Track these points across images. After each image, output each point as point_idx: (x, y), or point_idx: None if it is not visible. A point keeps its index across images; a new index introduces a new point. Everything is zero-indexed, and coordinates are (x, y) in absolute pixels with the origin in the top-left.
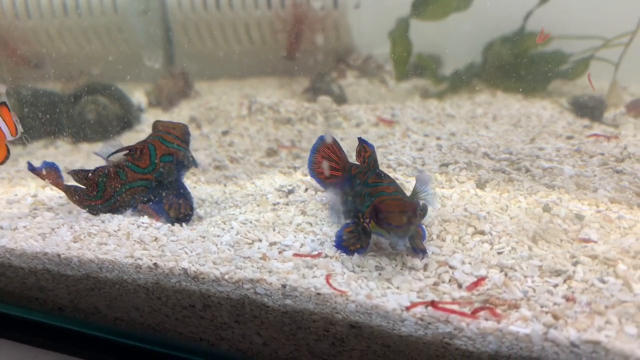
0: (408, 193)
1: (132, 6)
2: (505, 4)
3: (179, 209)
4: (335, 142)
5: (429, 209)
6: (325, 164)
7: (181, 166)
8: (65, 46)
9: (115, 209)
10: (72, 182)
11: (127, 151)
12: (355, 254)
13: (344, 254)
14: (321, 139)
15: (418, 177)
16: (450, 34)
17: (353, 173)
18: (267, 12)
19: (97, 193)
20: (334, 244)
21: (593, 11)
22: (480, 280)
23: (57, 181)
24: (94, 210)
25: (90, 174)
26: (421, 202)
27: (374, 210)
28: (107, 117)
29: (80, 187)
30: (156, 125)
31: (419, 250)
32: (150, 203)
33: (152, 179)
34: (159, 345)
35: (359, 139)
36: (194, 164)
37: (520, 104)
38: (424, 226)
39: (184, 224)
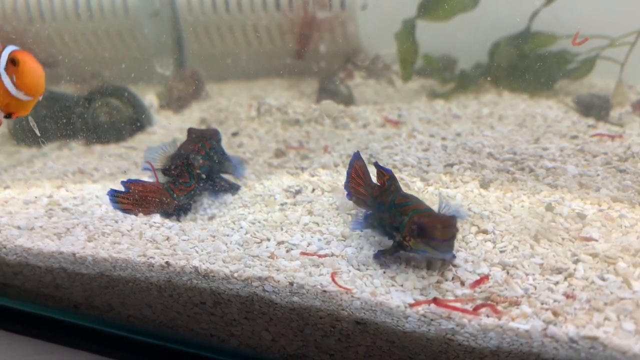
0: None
1: (143, 9)
2: (511, 4)
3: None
4: (361, 159)
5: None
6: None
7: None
8: (78, 49)
9: (191, 201)
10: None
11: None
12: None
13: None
14: (356, 155)
15: (440, 196)
16: (457, 34)
17: (375, 195)
18: (275, 14)
19: (190, 180)
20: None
21: (598, 10)
22: (484, 278)
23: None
24: (171, 209)
25: (180, 163)
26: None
27: (418, 227)
28: (119, 119)
29: (172, 184)
30: (190, 132)
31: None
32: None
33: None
34: (171, 342)
35: (375, 164)
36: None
37: (526, 104)
38: None
39: (193, 223)
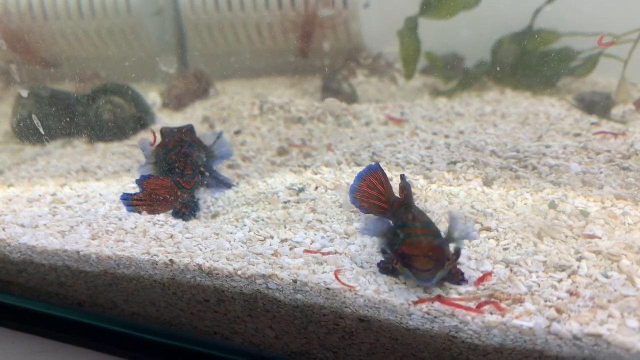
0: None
1: (146, 7)
2: (513, 1)
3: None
4: (382, 172)
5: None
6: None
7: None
8: (81, 47)
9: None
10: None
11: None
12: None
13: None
14: (369, 167)
15: (449, 216)
16: (459, 32)
17: (395, 208)
18: (277, 12)
19: (192, 171)
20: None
21: (601, 7)
22: (486, 275)
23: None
24: (184, 205)
25: (182, 154)
26: (454, 246)
27: (401, 254)
28: (123, 117)
29: (179, 178)
30: (163, 132)
31: (457, 282)
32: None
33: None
34: (174, 339)
35: (401, 176)
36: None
37: (528, 102)
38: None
39: (197, 221)
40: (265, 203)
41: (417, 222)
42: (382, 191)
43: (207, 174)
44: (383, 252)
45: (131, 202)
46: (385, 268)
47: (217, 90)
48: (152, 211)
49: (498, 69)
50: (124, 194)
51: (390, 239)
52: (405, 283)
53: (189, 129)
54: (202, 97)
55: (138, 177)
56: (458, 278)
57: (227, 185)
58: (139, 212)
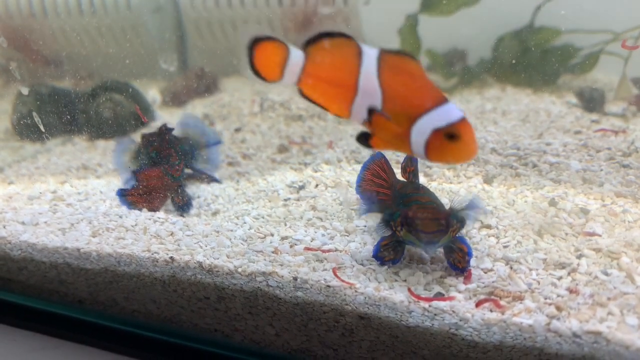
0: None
1: (146, 4)
2: None
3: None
4: (385, 160)
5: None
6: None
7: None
8: (81, 45)
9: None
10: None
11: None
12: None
13: (378, 262)
14: (372, 157)
15: (471, 199)
16: (460, 29)
17: (398, 188)
18: (277, 10)
19: (178, 159)
20: (372, 254)
21: (602, 4)
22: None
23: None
24: (177, 190)
25: (165, 141)
26: (460, 215)
27: (404, 217)
28: (123, 114)
29: (168, 167)
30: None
31: (457, 268)
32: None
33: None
34: (175, 337)
35: (407, 155)
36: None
37: (529, 99)
38: (469, 243)
39: (197, 218)
40: (265, 201)
41: (421, 191)
42: (386, 178)
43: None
44: (386, 222)
45: (128, 197)
46: (387, 243)
47: (219, 88)
48: (150, 204)
49: (499, 66)
50: (120, 190)
51: (389, 218)
52: (405, 280)
53: (167, 129)
54: (203, 94)
55: (134, 170)
56: (462, 265)
57: (211, 178)
58: (139, 209)
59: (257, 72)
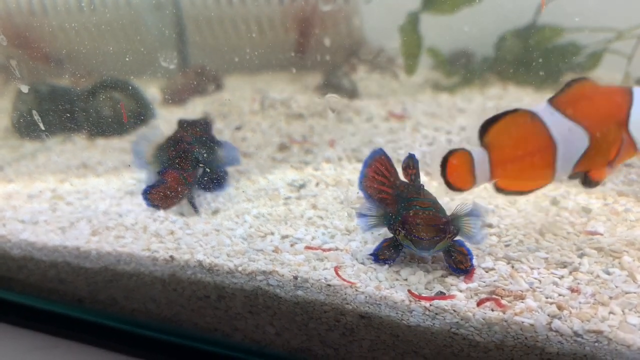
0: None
1: (146, 2)
2: None
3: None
4: (387, 157)
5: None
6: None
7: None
8: (80, 42)
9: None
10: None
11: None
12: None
13: (372, 259)
14: (374, 153)
15: (473, 207)
16: (462, 27)
17: (401, 190)
18: (278, 8)
19: (191, 166)
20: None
21: (605, 2)
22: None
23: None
24: (188, 195)
25: (181, 148)
26: (458, 223)
27: (402, 221)
28: (123, 113)
29: (184, 172)
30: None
31: (458, 271)
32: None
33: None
34: (175, 336)
35: (409, 154)
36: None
37: (531, 98)
38: (468, 246)
39: (197, 217)
40: (266, 199)
41: (423, 196)
42: (389, 177)
43: (207, 170)
44: (388, 225)
45: (149, 195)
46: (389, 245)
47: (221, 86)
48: (167, 204)
49: (501, 64)
50: (147, 187)
51: (390, 220)
52: (406, 279)
53: (206, 124)
54: (203, 92)
55: (160, 170)
56: (465, 266)
57: (221, 182)
58: (158, 208)
59: (452, 187)
